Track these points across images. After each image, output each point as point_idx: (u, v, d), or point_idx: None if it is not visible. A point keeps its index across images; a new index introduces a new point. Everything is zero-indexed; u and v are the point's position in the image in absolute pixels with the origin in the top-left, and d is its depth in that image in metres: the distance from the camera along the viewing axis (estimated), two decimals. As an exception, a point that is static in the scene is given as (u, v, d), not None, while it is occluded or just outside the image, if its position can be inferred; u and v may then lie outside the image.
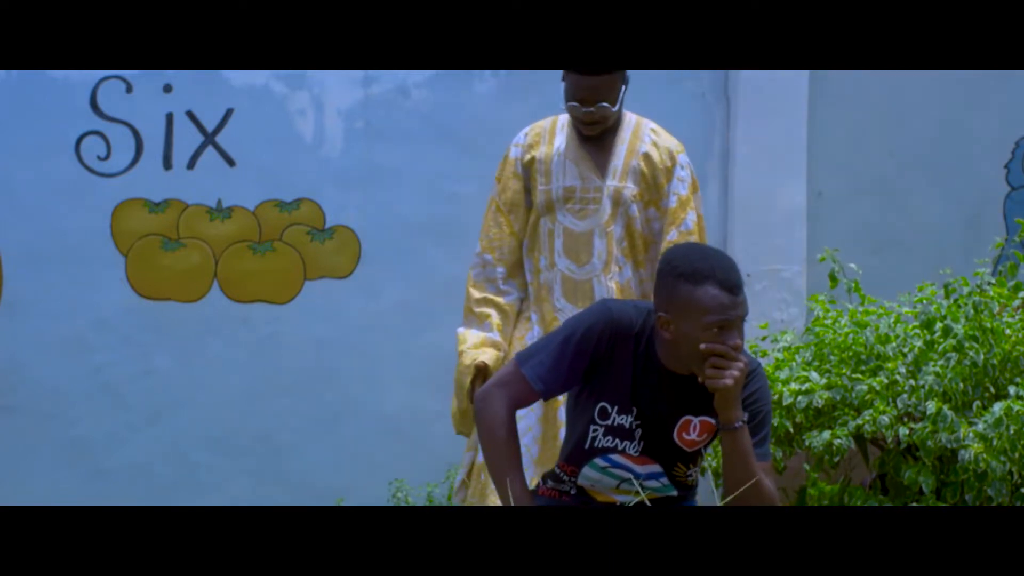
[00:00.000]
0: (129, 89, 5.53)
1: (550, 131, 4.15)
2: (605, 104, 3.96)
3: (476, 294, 4.12)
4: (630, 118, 4.15)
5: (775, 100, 5.49)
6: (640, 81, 5.59)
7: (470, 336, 4.07)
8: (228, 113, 5.55)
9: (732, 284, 3.15)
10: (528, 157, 4.12)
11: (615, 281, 4.05)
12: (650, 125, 4.16)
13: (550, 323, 4.01)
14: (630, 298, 4.00)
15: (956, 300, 4.29)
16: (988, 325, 4.10)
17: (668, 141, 4.15)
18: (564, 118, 4.14)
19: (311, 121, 5.59)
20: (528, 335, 4.07)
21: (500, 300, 4.11)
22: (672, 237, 4.03)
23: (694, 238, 4.05)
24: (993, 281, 4.39)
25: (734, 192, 5.49)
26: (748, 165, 5.49)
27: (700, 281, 3.14)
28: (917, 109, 5.64)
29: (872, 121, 5.62)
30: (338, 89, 5.58)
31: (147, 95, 5.54)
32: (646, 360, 3.27)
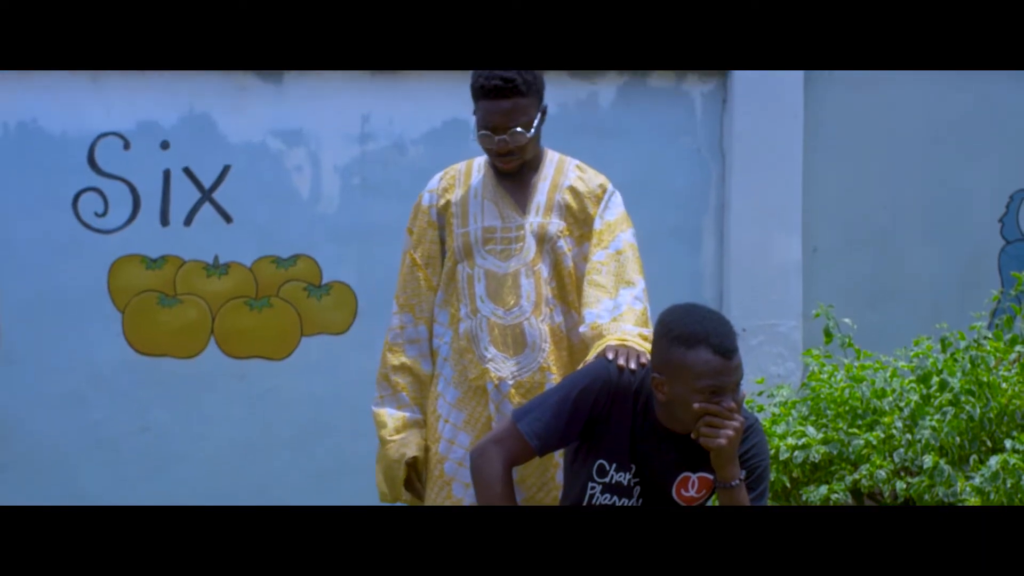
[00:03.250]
0: (127, 146, 5.55)
1: (465, 173, 3.78)
2: (519, 130, 3.57)
3: (393, 360, 3.78)
4: (552, 156, 3.78)
5: (770, 155, 5.52)
6: (635, 136, 5.66)
7: (388, 418, 3.75)
8: (225, 170, 5.57)
9: (726, 349, 3.13)
10: (443, 202, 3.76)
11: (547, 324, 3.67)
12: (575, 162, 3.79)
13: (475, 379, 3.67)
14: (561, 343, 3.71)
15: (952, 354, 4.30)
16: (984, 379, 4.10)
17: (596, 176, 3.79)
18: (481, 159, 3.78)
19: (308, 177, 5.61)
20: (438, 402, 3.74)
21: (419, 368, 3.77)
22: (599, 257, 3.67)
23: (626, 256, 3.69)
24: (989, 335, 4.39)
25: (730, 247, 5.50)
26: (744, 220, 5.50)
27: (693, 345, 3.13)
28: (912, 163, 5.67)
29: (867, 175, 5.65)
30: (334, 146, 5.60)
31: (144, 151, 5.57)
32: (644, 417, 3.27)
